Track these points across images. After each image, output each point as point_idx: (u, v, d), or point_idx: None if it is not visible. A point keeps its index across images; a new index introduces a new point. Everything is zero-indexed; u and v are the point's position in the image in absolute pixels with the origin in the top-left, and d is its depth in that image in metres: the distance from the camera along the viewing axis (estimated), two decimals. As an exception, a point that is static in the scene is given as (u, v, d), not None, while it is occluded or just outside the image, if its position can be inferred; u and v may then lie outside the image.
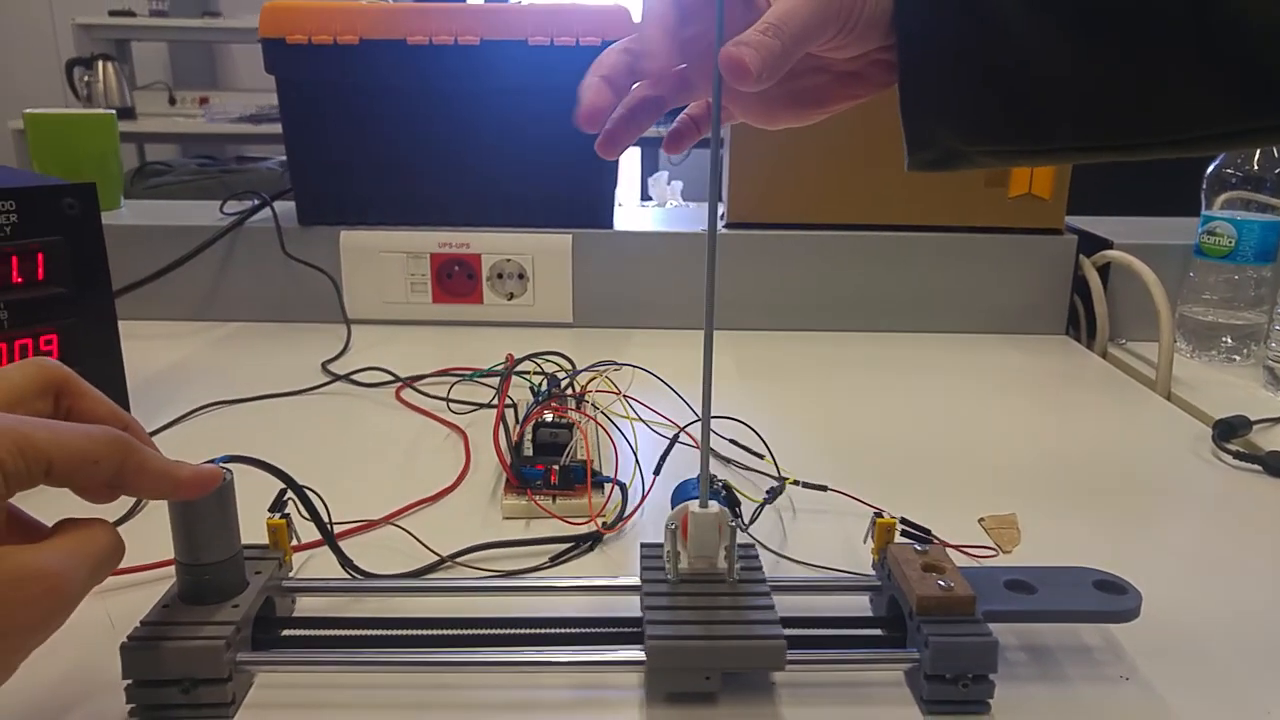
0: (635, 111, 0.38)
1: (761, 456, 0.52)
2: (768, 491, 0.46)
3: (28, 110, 0.84)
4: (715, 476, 0.46)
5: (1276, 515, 0.51)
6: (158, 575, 0.41)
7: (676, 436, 0.50)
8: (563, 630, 0.36)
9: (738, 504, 0.44)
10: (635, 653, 0.34)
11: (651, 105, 0.39)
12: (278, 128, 2.61)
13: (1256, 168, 0.73)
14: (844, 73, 0.37)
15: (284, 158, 1.62)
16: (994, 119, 0.34)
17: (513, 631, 0.36)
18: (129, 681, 0.31)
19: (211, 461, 0.34)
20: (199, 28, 3.51)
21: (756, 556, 0.37)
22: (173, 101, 3.45)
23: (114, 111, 0.86)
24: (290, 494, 0.39)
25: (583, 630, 0.36)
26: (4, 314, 0.48)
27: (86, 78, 3.19)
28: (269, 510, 0.38)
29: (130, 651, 0.31)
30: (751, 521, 0.45)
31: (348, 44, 0.76)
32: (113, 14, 3.28)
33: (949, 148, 0.35)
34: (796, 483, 0.48)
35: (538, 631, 0.36)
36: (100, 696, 0.33)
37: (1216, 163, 0.75)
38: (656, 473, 0.47)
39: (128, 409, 0.55)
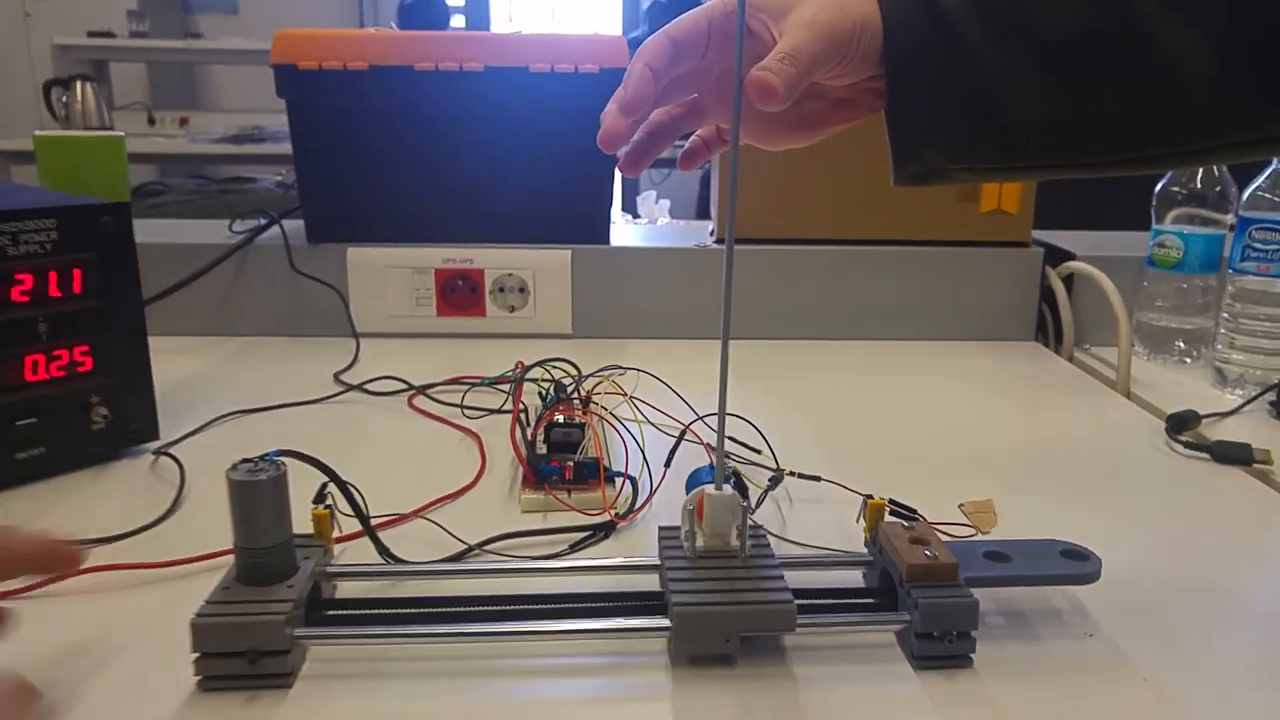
0: (653, 135, 0.43)
1: (759, 451, 0.56)
2: (770, 480, 0.51)
3: (38, 132, 0.86)
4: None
5: (1222, 496, 0.56)
6: (189, 570, 0.44)
7: (684, 432, 0.54)
8: (590, 605, 0.39)
9: (746, 489, 0.48)
10: (660, 620, 0.37)
11: (668, 129, 0.43)
12: (260, 148, 2.64)
13: (1200, 186, 0.79)
14: (838, 99, 0.42)
15: (278, 177, 1.66)
16: (970, 141, 0.39)
17: (544, 607, 0.39)
18: (197, 655, 0.35)
19: (264, 455, 0.37)
20: (180, 49, 3.53)
21: (765, 535, 0.41)
22: (152, 122, 3.43)
23: (124, 134, 0.89)
24: (330, 487, 0.42)
25: (608, 605, 0.39)
26: (44, 326, 0.51)
27: (64, 98, 3.18)
28: (312, 502, 0.41)
29: (200, 627, 0.34)
30: (756, 507, 0.49)
31: (357, 69, 0.80)
32: (92, 35, 3.28)
33: (931, 165, 0.40)
34: (793, 474, 0.52)
35: (567, 607, 0.39)
36: (169, 673, 0.36)
37: (1164, 181, 0.81)
38: (668, 465, 0.51)
39: (156, 416, 0.58)
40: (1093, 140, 0.38)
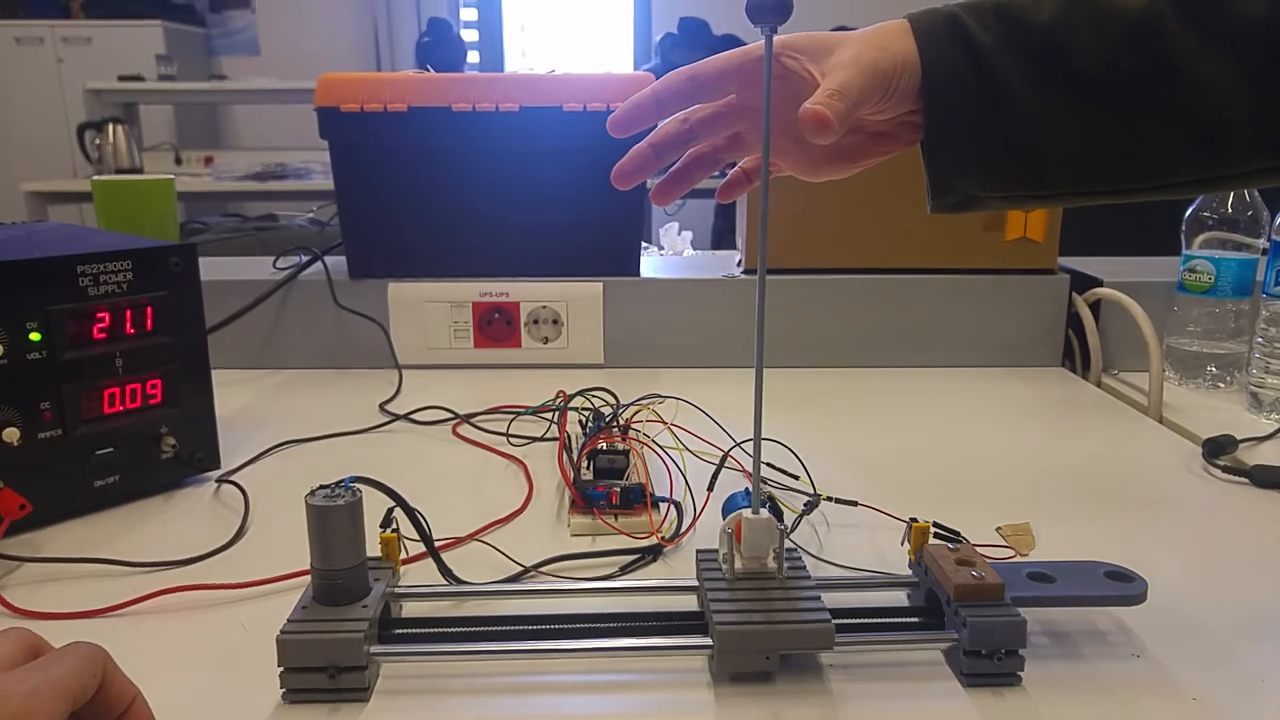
0: (691, 165, 0.45)
1: (797, 477, 0.57)
2: (805, 504, 0.52)
3: (95, 177, 0.91)
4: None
5: (1263, 520, 0.56)
6: (264, 591, 0.46)
7: (724, 458, 0.55)
8: (635, 624, 0.40)
9: (781, 513, 0.50)
10: (703, 639, 0.39)
11: (708, 160, 0.45)
12: (283, 185, 2.71)
13: (1230, 210, 0.80)
14: (877, 133, 0.44)
15: (311, 214, 1.71)
16: (1004, 170, 0.40)
17: (594, 626, 0.40)
18: (282, 669, 0.36)
19: (339, 482, 0.39)
20: (206, 90, 3.64)
21: (800, 558, 0.43)
22: (179, 161, 3.53)
23: (173, 176, 0.93)
24: (395, 511, 0.44)
25: (652, 624, 0.40)
26: (120, 361, 0.54)
27: (97, 140, 3.28)
28: (380, 526, 0.43)
29: (285, 643, 0.36)
30: (792, 530, 0.51)
31: (397, 111, 0.83)
32: (122, 79, 3.39)
33: (966, 194, 0.42)
34: (830, 498, 0.54)
35: (615, 626, 0.40)
36: (250, 687, 0.38)
37: (1194, 206, 0.82)
38: (710, 489, 0.53)
39: (218, 446, 0.60)
40: (1125, 169, 0.39)
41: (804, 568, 0.42)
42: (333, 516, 0.38)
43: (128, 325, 0.53)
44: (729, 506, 0.51)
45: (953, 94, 0.40)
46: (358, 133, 0.84)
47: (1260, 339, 0.75)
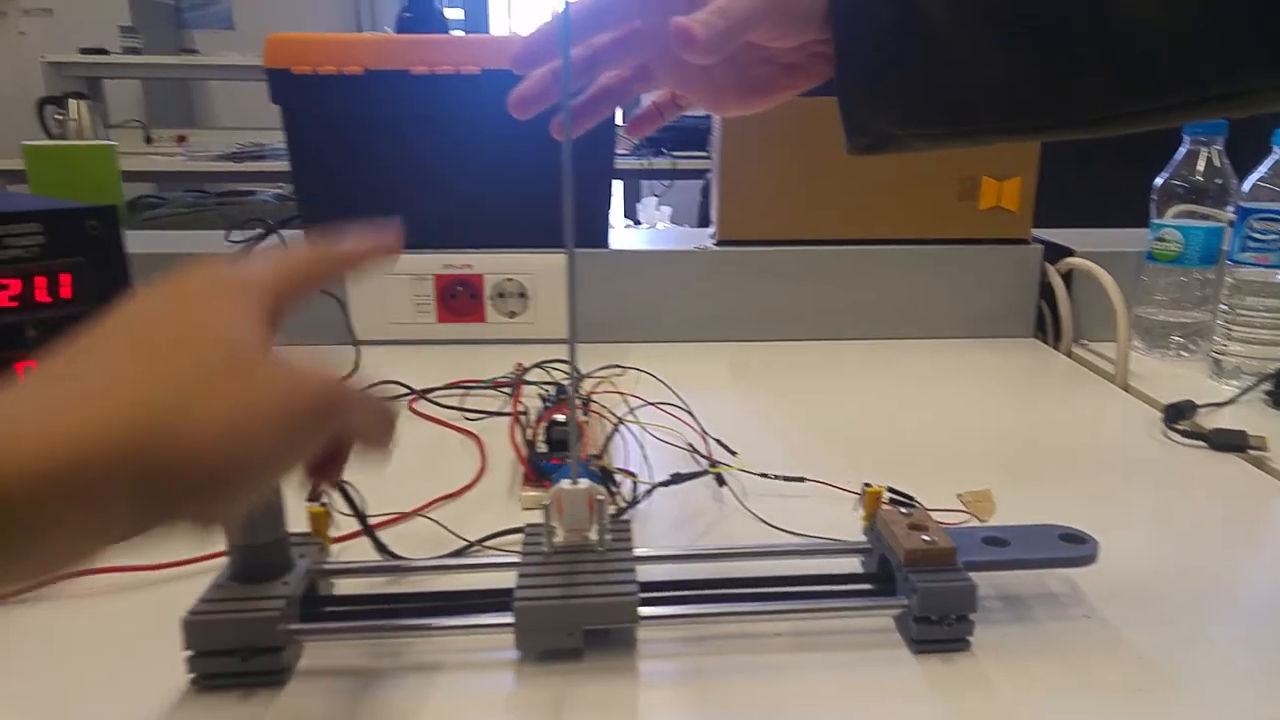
0: (597, 97, 0.43)
1: (735, 454, 0.56)
2: (672, 474, 0.51)
3: (26, 142, 0.87)
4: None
5: (1218, 483, 0.56)
6: (187, 571, 0.44)
7: (615, 429, 0.55)
8: (451, 603, 0.39)
9: (612, 482, 0.48)
10: (506, 617, 0.36)
11: (616, 92, 0.43)
12: (261, 165, 2.64)
13: (1201, 179, 0.79)
14: (787, 64, 0.41)
15: (277, 190, 1.67)
16: (922, 106, 0.37)
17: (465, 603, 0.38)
18: (190, 653, 0.34)
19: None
20: (175, 64, 3.54)
21: (629, 531, 0.41)
22: (149, 140, 3.44)
23: (115, 143, 0.89)
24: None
25: (476, 602, 0.38)
26: (32, 332, 0.51)
27: (59, 116, 3.18)
28: (307, 500, 0.41)
29: (192, 625, 0.34)
30: (634, 502, 0.49)
31: (352, 74, 0.80)
32: (84, 51, 3.28)
33: (883, 132, 0.38)
34: (770, 476, 0.52)
35: (459, 604, 0.38)
36: (159, 674, 0.35)
37: (1165, 175, 0.81)
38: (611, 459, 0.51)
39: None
40: (1049, 104, 0.36)
41: (629, 539, 0.40)
42: (250, 488, 0.36)
43: (40, 293, 0.50)
44: (558, 477, 0.49)
45: (865, 22, 0.36)
46: (311, 97, 0.81)
47: (1224, 306, 0.75)
